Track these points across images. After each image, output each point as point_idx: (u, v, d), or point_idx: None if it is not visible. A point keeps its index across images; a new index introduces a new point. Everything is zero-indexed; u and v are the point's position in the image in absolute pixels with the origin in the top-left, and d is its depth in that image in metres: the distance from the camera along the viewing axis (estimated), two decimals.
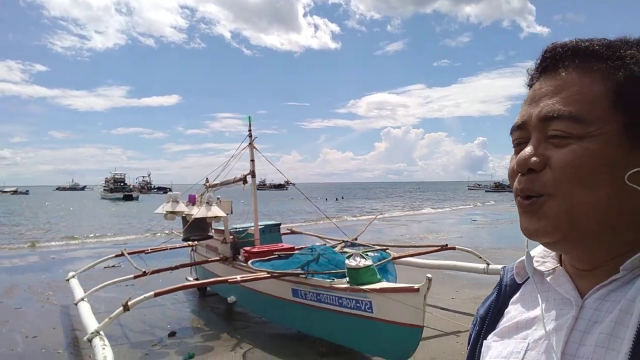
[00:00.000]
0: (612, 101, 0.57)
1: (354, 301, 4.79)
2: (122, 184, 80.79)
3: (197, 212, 6.88)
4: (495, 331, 0.70)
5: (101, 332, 4.62)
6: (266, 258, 6.46)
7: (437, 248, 6.80)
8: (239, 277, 5.33)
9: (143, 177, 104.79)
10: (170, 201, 7.01)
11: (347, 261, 4.93)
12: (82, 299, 6.16)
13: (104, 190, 77.91)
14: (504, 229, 19.12)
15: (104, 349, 4.14)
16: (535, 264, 0.68)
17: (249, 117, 7.49)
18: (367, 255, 5.11)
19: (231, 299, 7.01)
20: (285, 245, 7.47)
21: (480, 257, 6.90)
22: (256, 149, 7.40)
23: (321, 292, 5.20)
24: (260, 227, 7.52)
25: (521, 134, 0.63)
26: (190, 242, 9.04)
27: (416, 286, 4.23)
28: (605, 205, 0.57)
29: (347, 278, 4.93)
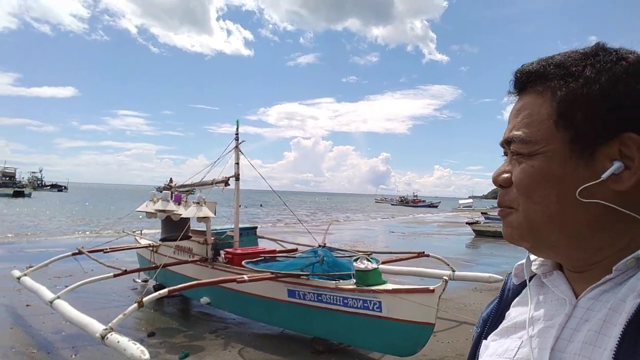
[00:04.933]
0: (555, 120, 0.61)
1: (361, 301, 5.15)
2: (11, 179, 72.96)
3: (187, 212, 6.81)
4: (495, 331, 0.73)
5: (114, 329, 4.50)
6: (255, 260, 6.58)
7: (414, 255, 7.39)
8: (246, 277, 5.44)
9: (33, 172, 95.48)
10: (155, 200, 6.84)
11: (355, 263, 5.29)
12: (58, 297, 5.82)
13: None
14: (424, 241, 20.55)
15: (134, 344, 4.08)
16: (533, 267, 0.71)
17: (237, 121, 7.55)
18: (372, 259, 5.51)
19: (204, 300, 6.97)
20: (267, 248, 7.60)
21: (448, 264, 7.62)
22: (241, 152, 7.48)
23: (323, 292, 5.49)
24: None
25: (504, 150, 0.69)
26: (152, 243, 8.81)
27: (432, 287, 4.73)
28: (558, 218, 0.60)
29: (355, 279, 5.29)
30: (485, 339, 0.74)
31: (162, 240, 7.82)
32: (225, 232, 7.69)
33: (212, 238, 7.20)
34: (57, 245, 15.13)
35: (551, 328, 0.62)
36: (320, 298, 5.54)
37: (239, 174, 7.39)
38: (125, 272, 6.32)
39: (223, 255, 7.07)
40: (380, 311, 5.02)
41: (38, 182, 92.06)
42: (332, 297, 5.42)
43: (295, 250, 7.90)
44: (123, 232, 10.25)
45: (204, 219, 6.95)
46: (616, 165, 0.57)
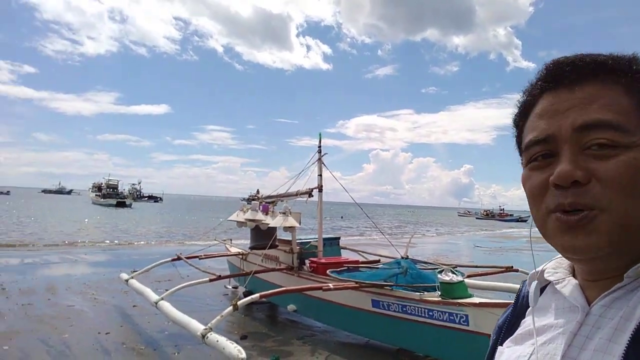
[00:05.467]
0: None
1: (447, 314, 5.13)
2: (114, 190, 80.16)
3: (274, 221, 7.19)
4: (510, 338, 0.73)
5: (213, 329, 4.88)
6: (338, 269, 6.77)
7: (501, 269, 7.17)
8: (331, 285, 5.64)
9: (133, 184, 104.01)
10: (245, 210, 7.30)
11: (439, 276, 5.29)
12: (162, 299, 6.39)
13: (96, 195, 77.12)
14: (513, 256, 19.56)
15: (232, 343, 4.41)
16: (547, 274, 0.70)
17: (320, 134, 7.88)
18: (457, 271, 5.47)
19: (291, 307, 7.26)
20: (350, 258, 7.77)
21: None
22: (324, 165, 7.76)
23: (408, 304, 5.52)
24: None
25: (544, 147, 0.62)
26: (242, 251, 9.34)
27: None
28: None
29: (440, 292, 5.28)
30: (501, 345, 0.75)
31: (251, 248, 8.24)
32: (310, 242, 7.98)
33: (298, 247, 7.51)
34: (156, 253, 16.42)
35: (563, 335, 0.62)
36: (404, 309, 5.58)
37: (322, 186, 7.65)
38: (220, 278, 6.79)
39: (308, 264, 7.34)
40: (467, 324, 4.96)
41: (137, 193, 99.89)
42: (417, 308, 5.43)
43: (378, 261, 7.98)
44: (215, 240, 10.94)
45: (290, 229, 7.28)
46: None
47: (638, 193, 0.56)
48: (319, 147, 7.84)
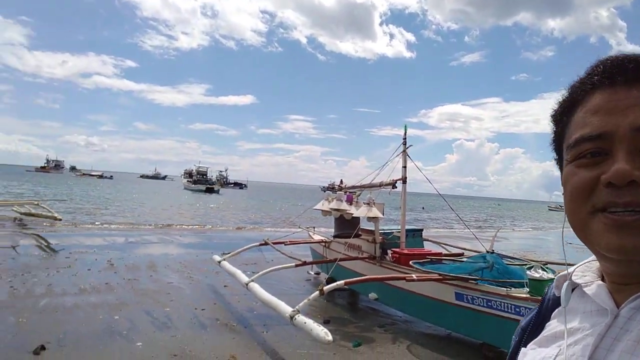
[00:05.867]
0: None
1: None
2: (204, 176, 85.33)
3: (359, 211, 7.36)
4: (534, 340, 0.73)
5: (300, 311, 5.16)
6: (421, 261, 6.78)
7: None
8: (415, 276, 5.70)
9: (220, 171, 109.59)
10: (330, 199, 7.53)
11: (528, 272, 5.14)
12: (252, 281, 6.81)
13: (187, 181, 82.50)
14: None
15: (319, 325, 4.65)
16: (575, 277, 0.70)
17: (405, 126, 7.87)
18: (548, 269, 5.28)
19: (372, 295, 7.39)
20: (433, 250, 7.75)
21: None
22: (409, 157, 7.76)
23: (493, 298, 5.42)
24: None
25: (597, 144, 0.61)
26: (324, 238, 9.62)
27: None
28: None
29: (528, 288, 5.14)
30: (525, 347, 0.75)
31: (335, 236, 8.48)
32: (392, 232, 8.04)
33: (380, 237, 7.60)
34: (242, 237, 17.35)
35: (590, 337, 0.62)
36: (489, 304, 5.49)
37: (406, 177, 7.66)
38: (305, 264, 7.09)
39: (390, 255, 7.41)
40: None
41: (224, 180, 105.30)
42: (503, 304, 5.32)
43: (462, 254, 7.86)
44: (299, 227, 11.35)
45: (373, 219, 7.39)
46: None
47: None
48: (404, 138, 7.83)
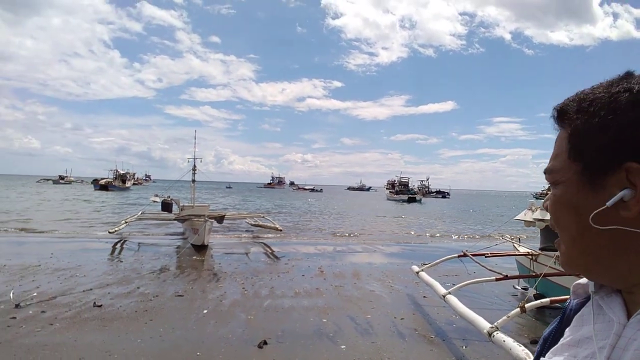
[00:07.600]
0: (567, 152, 0.66)
1: None
2: (406, 187, 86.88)
3: None
4: (552, 349, 0.73)
5: (499, 328, 4.91)
6: None
7: None
8: None
9: (422, 181, 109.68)
10: (534, 209, 6.97)
11: None
12: (449, 293, 6.70)
13: (390, 192, 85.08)
14: None
15: (519, 345, 4.36)
16: (590, 288, 0.71)
17: None
18: None
19: None
20: None
21: None
22: None
23: None
24: None
25: None
26: (531, 251, 8.87)
27: None
28: (580, 243, 0.65)
29: None
30: (544, 356, 0.75)
31: (542, 249, 7.72)
32: None
33: None
34: (442, 247, 17.12)
35: (603, 348, 0.63)
36: None
37: None
38: (506, 278, 6.65)
39: None
40: None
41: (426, 189, 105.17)
42: None
43: None
44: (502, 237, 10.67)
45: None
46: (622, 193, 0.59)
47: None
48: None
